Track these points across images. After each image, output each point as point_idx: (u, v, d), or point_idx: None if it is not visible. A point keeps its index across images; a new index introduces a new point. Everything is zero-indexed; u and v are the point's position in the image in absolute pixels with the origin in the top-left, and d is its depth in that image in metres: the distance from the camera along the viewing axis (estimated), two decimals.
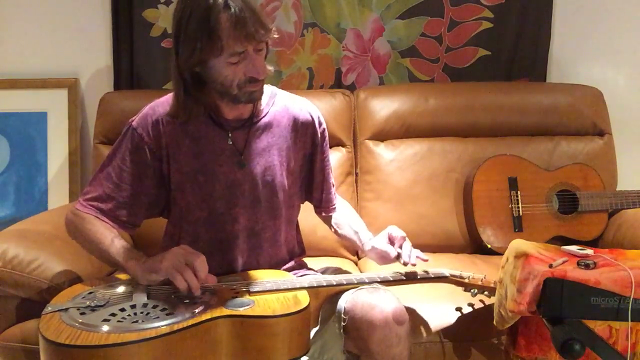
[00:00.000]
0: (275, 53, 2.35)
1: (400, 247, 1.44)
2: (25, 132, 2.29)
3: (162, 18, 2.30)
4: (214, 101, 1.40)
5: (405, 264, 1.41)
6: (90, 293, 1.28)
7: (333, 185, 1.62)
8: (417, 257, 1.44)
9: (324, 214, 1.63)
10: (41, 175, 2.30)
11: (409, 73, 2.40)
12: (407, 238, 1.46)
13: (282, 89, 1.58)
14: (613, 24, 2.39)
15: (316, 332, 1.42)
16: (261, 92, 1.40)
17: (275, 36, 1.36)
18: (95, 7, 2.31)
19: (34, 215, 1.95)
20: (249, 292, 1.28)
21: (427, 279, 1.45)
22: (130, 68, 2.31)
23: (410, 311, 1.35)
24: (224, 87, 1.34)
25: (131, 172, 1.40)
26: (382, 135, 2.21)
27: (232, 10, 1.25)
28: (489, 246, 2.03)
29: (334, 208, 1.63)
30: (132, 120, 1.44)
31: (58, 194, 2.30)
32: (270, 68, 1.40)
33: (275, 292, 1.29)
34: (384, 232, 1.49)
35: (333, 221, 1.63)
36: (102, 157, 1.46)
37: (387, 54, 2.39)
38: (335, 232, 1.64)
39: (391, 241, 1.46)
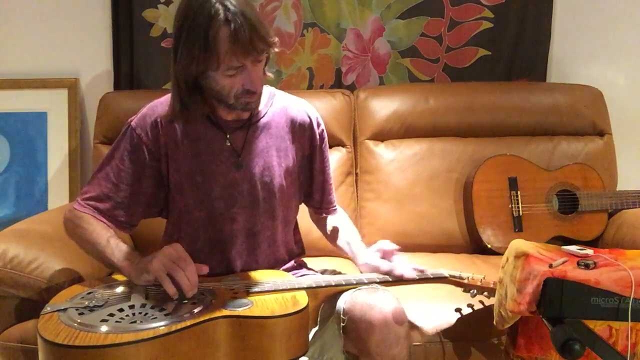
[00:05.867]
0: (275, 53, 2.32)
1: (391, 260, 1.43)
2: (25, 132, 2.30)
3: (162, 18, 2.30)
4: (212, 103, 1.40)
5: (399, 276, 1.40)
6: (89, 293, 1.28)
7: (332, 187, 1.62)
8: (414, 268, 1.43)
9: (325, 215, 1.62)
10: (41, 175, 2.30)
11: (409, 73, 2.40)
12: (397, 252, 1.45)
13: (282, 89, 1.59)
14: (613, 24, 2.39)
15: (315, 333, 1.42)
16: (257, 103, 1.39)
17: (276, 50, 1.35)
18: (95, 7, 2.31)
19: (34, 215, 1.95)
20: (248, 293, 1.28)
21: (427, 279, 1.45)
22: (130, 68, 2.31)
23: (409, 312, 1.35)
24: (221, 95, 1.34)
25: (129, 172, 1.40)
26: (382, 135, 2.21)
27: (232, 26, 1.22)
28: (489, 246, 2.02)
29: (335, 209, 1.63)
30: (131, 120, 1.44)
31: (58, 194, 2.30)
32: (270, 74, 1.40)
33: (274, 292, 1.29)
34: (376, 246, 1.47)
35: (328, 228, 1.62)
36: (102, 157, 1.46)
37: (387, 54, 2.39)
38: (328, 238, 1.63)
39: (384, 255, 1.45)
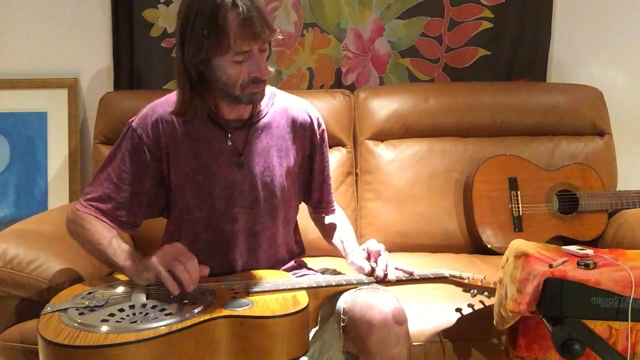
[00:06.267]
0: (275, 53, 2.34)
1: (376, 261, 1.41)
2: (25, 132, 2.30)
3: (162, 18, 2.30)
4: (215, 101, 1.40)
5: (377, 278, 1.38)
6: (90, 293, 1.28)
7: (331, 187, 1.62)
8: (399, 269, 1.41)
9: (323, 215, 1.62)
10: (41, 175, 2.30)
11: (409, 73, 2.40)
12: (383, 252, 1.42)
13: (282, 89, 1.59)
14: (613, 24, 2.39)
15: (315, 333, 1.42)
16: (262, 94, 1.40)
17: (280, 37, 1.37)
18: (95, 7, 2.31)
19: (34, 215, 1.95)
20: (248, 293, 1.28)
21: (427, 279, 1.45)
22: (130, 68, 2.31)
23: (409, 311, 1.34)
24: (227, 86, 1.34)
25: (131, 172, 1.40)
26: (382, 135, 2.21)
27: (240, 8, 1.26)
28: (489, 246, 2.02)
29: (333, 209, 1.63)
30: (132, 121, 1.44)
31: (58, 194, 2.30)
32: (272, 69, 1.40)
33: (274, 292, 1.29)
34: (363, 245, 1.46)
35: (325, 226, 1.62)
36: (102, 157, 1.46)
37: (387, 54, 2.39)
38: (324, 236, 1.63)
39: (369, 255, 1.43)
